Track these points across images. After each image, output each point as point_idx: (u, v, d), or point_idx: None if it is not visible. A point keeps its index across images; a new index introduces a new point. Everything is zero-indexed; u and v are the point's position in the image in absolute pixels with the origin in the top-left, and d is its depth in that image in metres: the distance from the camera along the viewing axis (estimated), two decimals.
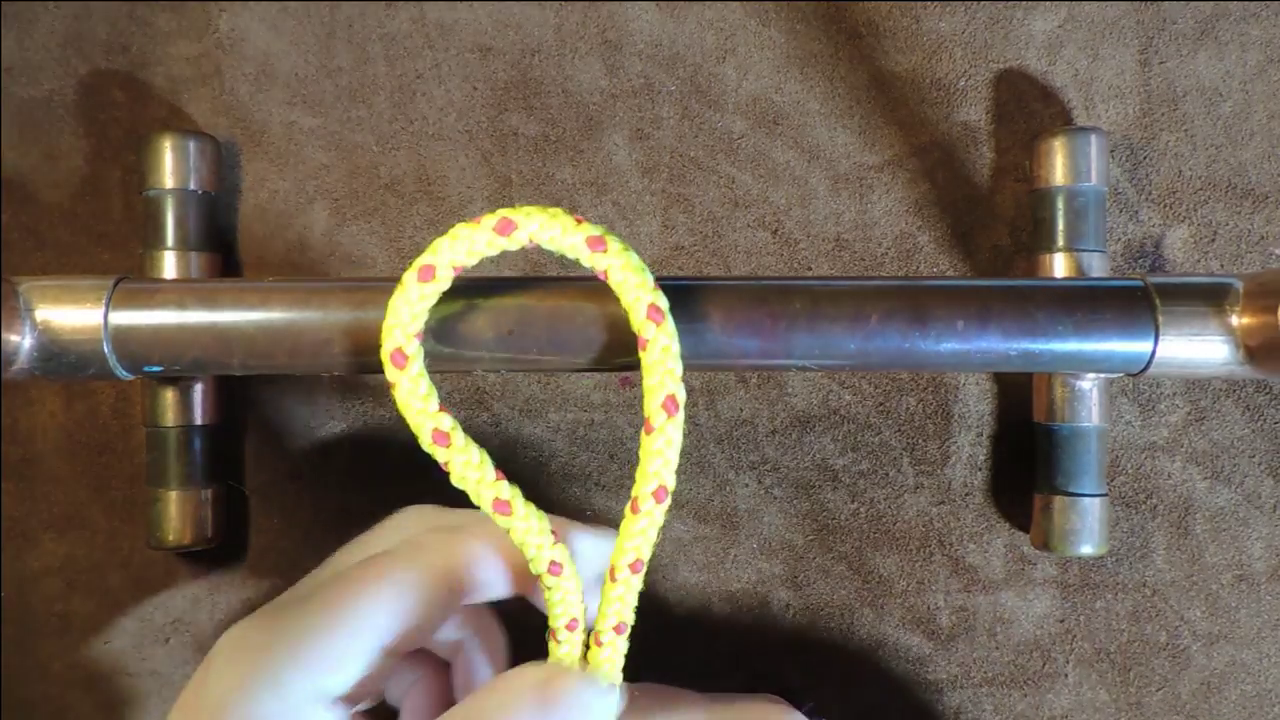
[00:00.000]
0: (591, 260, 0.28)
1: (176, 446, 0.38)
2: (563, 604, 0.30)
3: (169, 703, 0.41)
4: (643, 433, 0.29)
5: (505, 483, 0.29)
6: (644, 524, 0.29)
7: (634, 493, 0.29)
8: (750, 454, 0.41)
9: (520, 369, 0.35)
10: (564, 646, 0.30)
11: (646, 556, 0.30)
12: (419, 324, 0.28)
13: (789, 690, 0.41)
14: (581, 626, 0.30)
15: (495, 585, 0.30)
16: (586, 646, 0.31)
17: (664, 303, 0.28)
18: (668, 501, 0.29)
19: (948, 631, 0.41)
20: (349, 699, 0.27)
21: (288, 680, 0.25)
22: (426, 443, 0.29)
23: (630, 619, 0.30)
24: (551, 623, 0.30)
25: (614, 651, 0.30)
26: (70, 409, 0.41)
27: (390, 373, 0.28)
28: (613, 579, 0.30)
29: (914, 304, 0.31)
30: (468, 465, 0.29)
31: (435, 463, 0.41)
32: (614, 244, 0.28)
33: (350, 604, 0.27)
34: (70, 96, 0.41)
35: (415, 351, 0.28)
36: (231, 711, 0.25)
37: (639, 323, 0.29)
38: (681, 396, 0.29)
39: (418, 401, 0.28)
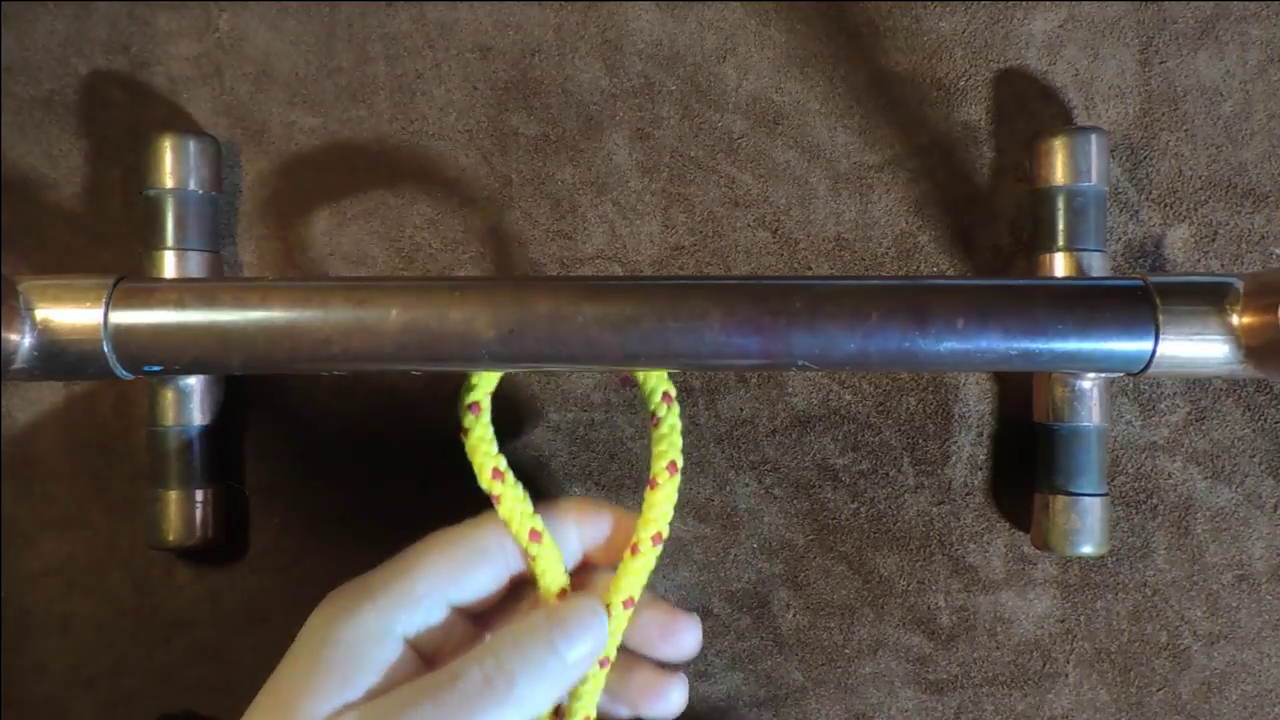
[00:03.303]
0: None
1: (176, 446, 0.38)
2: (550, 572, 0.34)
3: (169, 703, 0.41)
4: (648, 489, 0.34)
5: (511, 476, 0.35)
6: (640, 564, 0.34)
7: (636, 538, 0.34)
8: (750, 454, 0.41)
9: (520, 369, 0.35)
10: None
11: (638, 594, 0.34)
12: (492, 386, 0.35)
13: (789, 690, 0.41)
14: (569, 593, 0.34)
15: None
16: None
17: (673, 390, 0.35)
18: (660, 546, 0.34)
19: (948, 631, 0.41)
20: (418, 644, 0.32)
21: (362, 615, 0.32)
22: (485, 480, 0.34)
23: (638, 596, 0.34)
24: (545, 597, 0.34)
25: (618, 625, 0.34)
26: (70, 409, 0.41)
27: (468, 420, 0.35)
28: (634, 553, 0.34)
29: (914, 303, 0.31)
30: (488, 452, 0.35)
31: (434, 464, 0.41)
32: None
33: (413, 559, 0.33)
34: (70, 96, 0.41)
35: (486, 405, 0.35)
36: (319, 638, 0.31)
37: (655, 404, 0.35)
38: (679, 462, 0.35)
39: (486, 445, 0.35)
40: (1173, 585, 0.40)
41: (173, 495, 0.38)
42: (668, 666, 0.35)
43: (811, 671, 0.41)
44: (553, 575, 0.34)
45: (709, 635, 0.41)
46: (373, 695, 0.31)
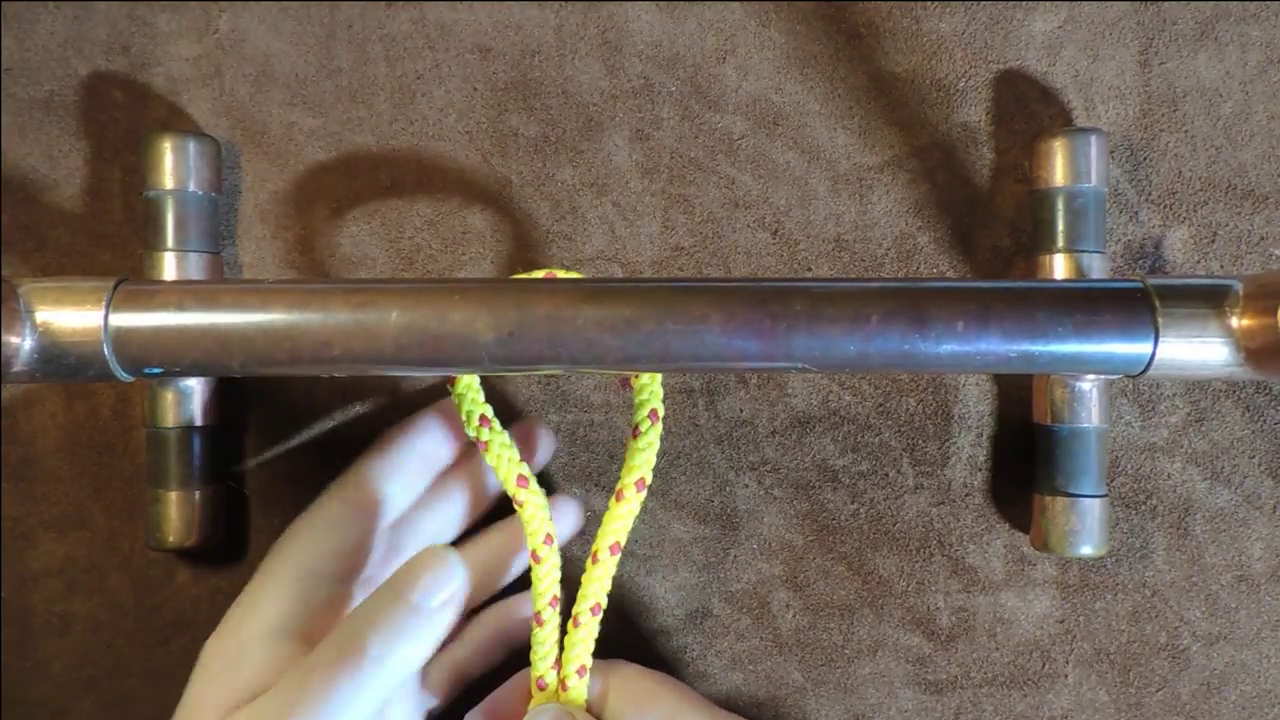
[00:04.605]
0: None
1: (176, 447, 0.38)
2: (535, 519, 0.35)
3: (170, 703, 0.41)
4: (613, 499, 0.35)
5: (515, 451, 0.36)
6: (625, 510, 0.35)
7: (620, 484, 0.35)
8: (750, 454, 0.41)
9: (520, 371, 0.35)
10: (544, 565, 0.35)
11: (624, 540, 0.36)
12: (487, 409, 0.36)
13: (789, 690, 0.41)
14: (556, 543, 0.36)
15: (434, 446, 0.37)
16: (563, 631, 0.35)
17: (661, 409, 0.36)
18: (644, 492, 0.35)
19: (948, 631, 0.41)
20: (302, 634, 0.33)
21: (239, 622, 0.33)
22: (473, 427, 0.35)
23: (604, 602, 0.35)
24: (530, 543, 0.35)
25: (588, 633, 0.35)
26: (70, 409, 0.41)
27: (481, 434, 0.35)
28: (594, 560, 0.35)
29: (914, 305, 0.31)
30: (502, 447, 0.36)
31: None
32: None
33: (276, 548, 0.35)
34: (70, 96, 0.41)
35: (492, 415, 0.35)
36: (209, 654, 0.34)
37: (640, 418, 0.36)
38: (649, 480, 0.35)
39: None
40: (1172, 586, 0.40)
41: (173, 495, 0.38)
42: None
43: (811, 672, 0.41)
44: (539, 523, 0.35)
45: (709, 635, 0.41)
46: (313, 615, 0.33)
